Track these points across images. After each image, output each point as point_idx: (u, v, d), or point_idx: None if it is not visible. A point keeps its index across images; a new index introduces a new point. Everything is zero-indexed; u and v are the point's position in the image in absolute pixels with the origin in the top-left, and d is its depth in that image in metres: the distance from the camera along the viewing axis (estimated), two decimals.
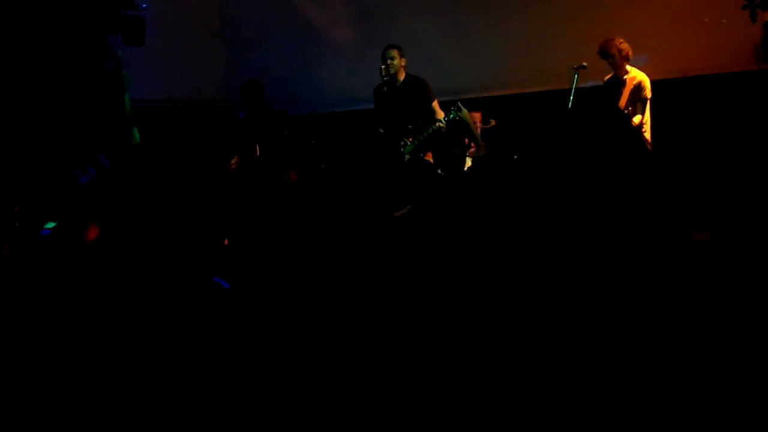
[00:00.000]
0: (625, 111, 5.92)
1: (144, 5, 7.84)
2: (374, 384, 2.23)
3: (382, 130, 6.40)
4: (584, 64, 6.06)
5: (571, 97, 6.01)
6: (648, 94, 5.95)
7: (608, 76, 6.21)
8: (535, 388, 2.14)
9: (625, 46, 6.02)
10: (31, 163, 6.60)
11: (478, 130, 7.77)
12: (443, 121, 6.08)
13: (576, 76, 6.03)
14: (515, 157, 6.74)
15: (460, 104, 6.17)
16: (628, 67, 6.08)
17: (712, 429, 1.92)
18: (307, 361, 2.38)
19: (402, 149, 6.11)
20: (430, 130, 6.12)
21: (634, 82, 6.03)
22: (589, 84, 6.30)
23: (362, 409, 2.18)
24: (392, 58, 6.19)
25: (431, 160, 6.39)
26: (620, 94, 6.05)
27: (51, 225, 4.24)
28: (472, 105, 7.79)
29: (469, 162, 7.55)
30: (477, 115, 7.81)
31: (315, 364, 2.36)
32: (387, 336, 2.46)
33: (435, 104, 6.21)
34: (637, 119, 5.89)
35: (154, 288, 2.71)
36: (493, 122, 7.77)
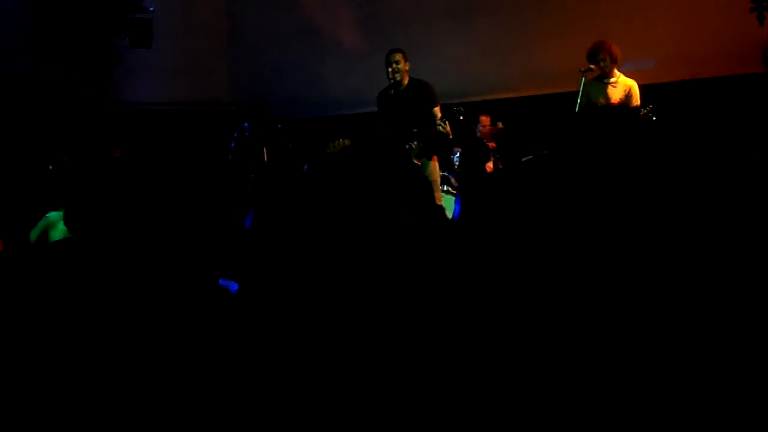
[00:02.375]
0: None
1: (151, 8, 7.86)
2: (378, 385, 2.23)
3: (385, 131, 6.39)
4: (591, 67, 6.04)
5: (579, 100, 6.00)
6: (638, 101, 5.92)
7: (592, 77, 6.14)
8: (535, 388, 2.14)
9: (616, 49, 5.98)
10: (30, 161, 6.63)
11: (486, 131, 7.79)
12: (442, 123, 6.02)
13: (583, 78, 6.02)
14: (523, 159, 6.74)
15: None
16: (616, 72, 6.05)
17: (708, 429, 1.93)
18: (311, 363, 2.38)
19: (409, 152, 6.08)
20: (436, 131, 6.08)
21: (625, 88, 5.99)
22: None
23: (365, 409, 2.17)
24: (396, 62, 6.15)
25: (437, 164, 6.37)
26: (607, 97, 6.00)
27: None
28: (480, 108, 7.81)
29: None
30: (485, 119, 7.81)
31: (319, 365, 2.36)
32: (390, 337, 2.45)
33: (437, 109, 6.16)
34: None
35: (158, 292, 2.70)
36: (500, 125, 7.78)
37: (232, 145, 7.24)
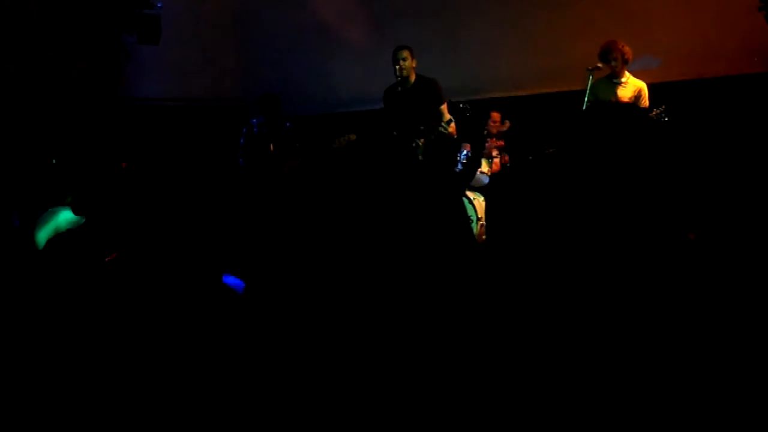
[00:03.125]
0: None
1: (159, 4, 7.85)
2: (377, 384, 2.24)
3: (395, 133, 6.38)
4: (599, 65, 6.03)
5: (586, 98, 5.99)
6: (647, 102, 5.91)
7: (599, 75, 6.12)
8: (534, 387, 2.14)
9: (627, 50, 5.97)
10: (39, 157, 6.65)
11: (495, 130, 7.76)
12: (446, 125, 6.01)
13: (590, 77, 6.00)
14: (530, 157, 6.72)
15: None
16: (626, 72, 6.04)
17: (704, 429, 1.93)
18: (312, 363, 2.39)
19: (415, 150, 6.08)
20: (438, 133, 6.07)
21: (634, 89, 5.98)
22: None
23: (364, 409, 2.18)
24: (404, 59, 6.15)
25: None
26: (617, 97, 5.99)
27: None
28: (487, 106, 7.79)
29: (485, 165, 7.52)
30: (496, 115, 7.78)
31: (319, 365, 2.36)
32: (391, 336, 2.46)
33: (444, 107, 6.16)
34: None
35: (164, 287, 2.71)
36: (507, 124, 7.75)
37: (242, 141, 7.23)
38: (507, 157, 7.48)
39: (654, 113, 5.80)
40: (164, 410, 2.25)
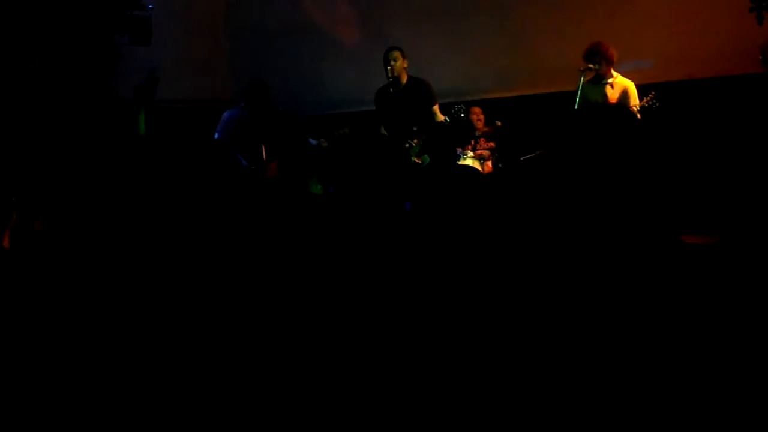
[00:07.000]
0: None
1: (150, 5, 7.82)
2: (375, 384, 2.23)
3: (385, 133, 6.39)
4: (590, 66, 6.05)
5: (578, 99, 6.00)
6: (635, 101, 5.93)
7: (588, 78, 6.13)
8: (532, 388, 2.14)
9: (611, 51, 6.00)
10: (33, 157, 6.62)
11: (480, 124, 7.74)
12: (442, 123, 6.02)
13: (582, 78, 6.02)
14: (522, 159, 6.73)
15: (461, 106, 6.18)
16: (612, 72, 6.06)
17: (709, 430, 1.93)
18: (308, 362, 2.38)
19: (409, 151, 6.08)
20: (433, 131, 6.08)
21: (621, 89, 6.00)
22: None
23: (362, 409, 2.17)
24: (395, 60, 6.16)
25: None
26: (605, 97, 6.01)
27: None
28: (479, 107, 7.80)
29: (476, 163, 7.49)
30: (477, 109, 7.74)
31: (315, 364, 2.36)
32: (388, 336, 2.46)
33: (436, 107, 6.17)
34: None
35: (154, 289, 2.70)
36: (498, 123, 7.75)
37: (225, 117, 6.97)
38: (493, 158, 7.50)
39: (645, 101, 5.83)
40: (157, 411, 2.24)
